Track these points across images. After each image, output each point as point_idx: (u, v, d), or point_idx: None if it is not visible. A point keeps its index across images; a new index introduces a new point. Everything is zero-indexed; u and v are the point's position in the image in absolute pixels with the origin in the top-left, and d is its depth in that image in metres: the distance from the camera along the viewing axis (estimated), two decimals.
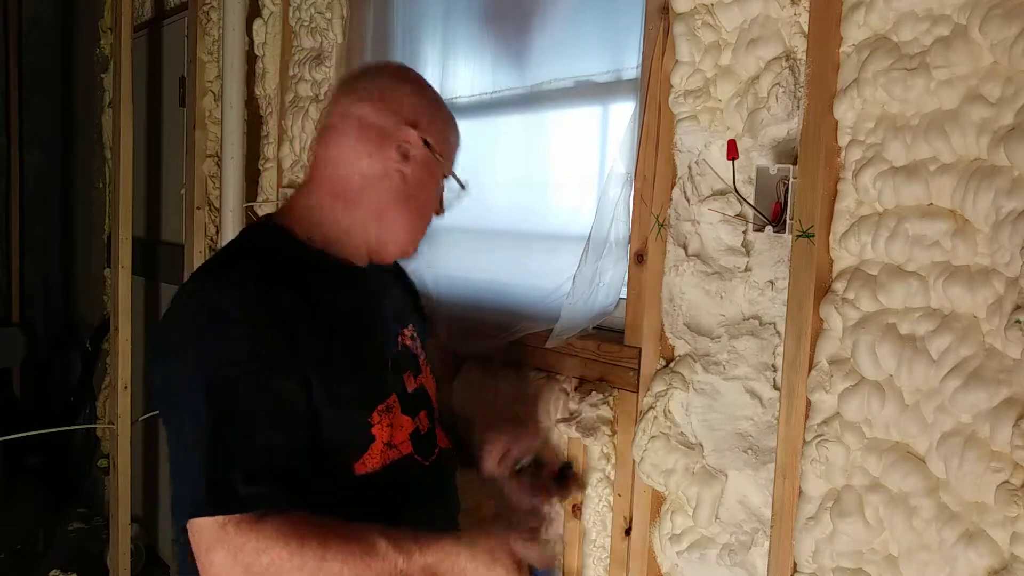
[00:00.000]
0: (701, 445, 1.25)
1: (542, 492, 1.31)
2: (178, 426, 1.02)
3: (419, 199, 1.21)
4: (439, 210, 1.26)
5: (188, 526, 0.97)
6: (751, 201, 1.13)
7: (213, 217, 2.63)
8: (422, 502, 1.18)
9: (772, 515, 1.11)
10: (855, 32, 1.02)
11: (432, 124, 1.20)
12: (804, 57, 1.08)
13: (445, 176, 1.24)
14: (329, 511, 1.01)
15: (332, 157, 1.16)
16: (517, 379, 1.54)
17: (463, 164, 1.76)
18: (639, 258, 1.32)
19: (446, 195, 1.26)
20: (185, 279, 1.20)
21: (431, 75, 1.79)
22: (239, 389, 1.00)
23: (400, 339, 1.24)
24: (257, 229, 1.19)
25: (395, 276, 1.37)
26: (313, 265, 1.13)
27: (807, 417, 1.07)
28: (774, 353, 1.15)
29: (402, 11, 1.86)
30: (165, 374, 1.05)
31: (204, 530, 0.95)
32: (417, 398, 1.22)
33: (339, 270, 1.16)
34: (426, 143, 1.18)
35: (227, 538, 0.94)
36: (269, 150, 2.36)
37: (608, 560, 1.39)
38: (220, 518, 0.95)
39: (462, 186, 1.24)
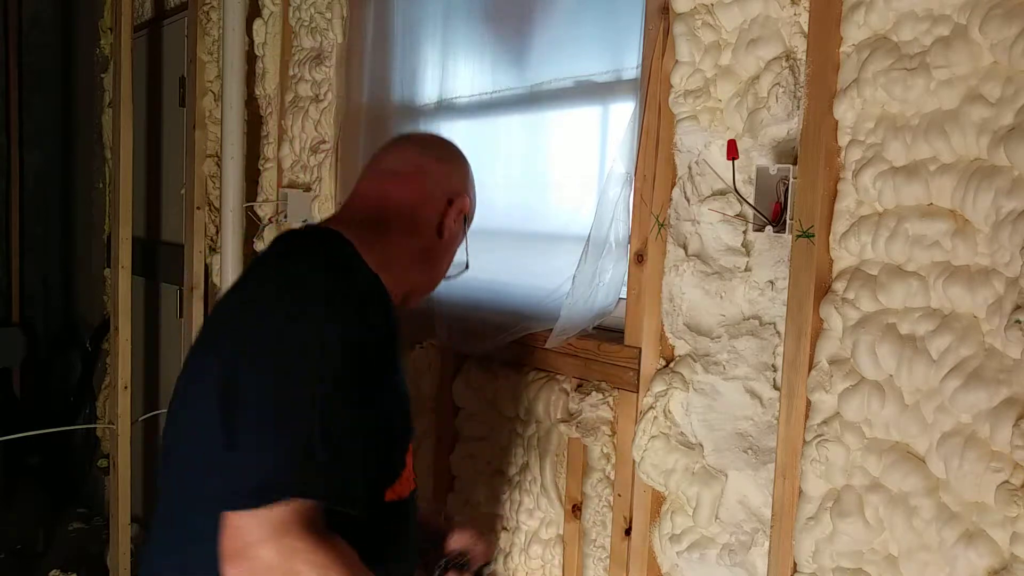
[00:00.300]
0: (701, 445, 1.25)
1: None
2: (280, 383, 0.96)
3: (449, 260, 1.28)
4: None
5: (238, 514, 0.90)
6: (751, 201, 1.13)
7: (213, 217, 2.63)
8: (411, 536, 1.18)
9: (772, 515, 1.11)
10: (855, 32, 1.02)
11: (473, 202, 1.29)
12: (804, 57, 1.08)
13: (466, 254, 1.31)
14: (357, 533, 0.98)
15: (403, 199, 1.21)
16: (518, 379, 1.54)
17: None
18: (639, 258, 1.32)
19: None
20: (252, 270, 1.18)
21: (431, 75, 1.79)
22: (361, 384, 0.99)
23: None
24: (340, 242, 1.13)
25: None
26: (385, 293, 1.13)
27: (807, 417, 1.07)
28: (774, 353, 1.15)
29: (402, 11, 1.86)
30: (294, 327, 0.98)
31: (262, 519, 0.89)
32: None
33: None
34: (465, 216, 1.26)
35: (284, 537, 0.89)
36: (269, 150, 2.36)
37: (608, 560, 1.39)
38: (287, 510, 0.90)
39: (467, 266, 1.32)
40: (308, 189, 2.19)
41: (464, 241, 1.29)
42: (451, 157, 1.28)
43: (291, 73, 2.26)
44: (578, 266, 1.37)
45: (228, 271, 2.32)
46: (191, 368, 1.11)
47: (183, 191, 2.71)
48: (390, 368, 1.09)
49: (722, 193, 1.20)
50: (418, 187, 1.22)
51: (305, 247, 1.11)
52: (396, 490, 1.12)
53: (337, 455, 0.95)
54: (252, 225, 2.38)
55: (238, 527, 0.90)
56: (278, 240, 1.16)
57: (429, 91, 1.80)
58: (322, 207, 2.15)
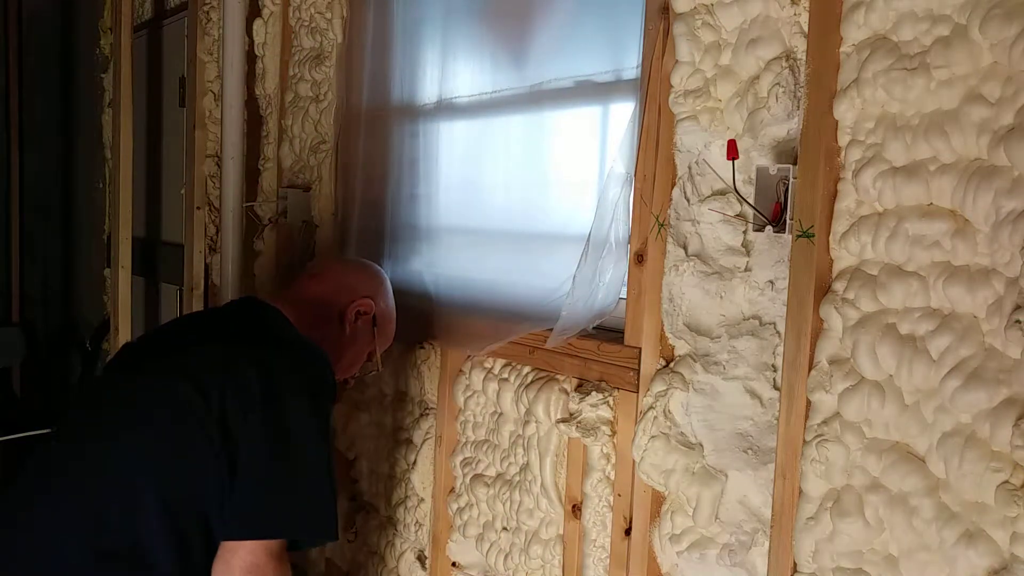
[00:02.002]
0: (701, 445, 1.25)
1: None
2: (306, 464, 1.29)
3: (353, 356, 1.58)
4: (351, 381, 1.69)
5: (265, 543, 1.22)
6: (751, 201, 1.13)
7: (213, 217, 2.63)
8: None
9: (772, 515, 1.11)
10: (855, 32, 1.02)
11: (385, 318, 1.61)
12: (804, 57, 1.08)
13: (375, 361, 1.61)
14: None
15: (317, 292, 1.55)
16: (518, 379, 1.54)
17: (463, 165, 1.77)
18: (639, 258, 1.32)
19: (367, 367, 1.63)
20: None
21: (431, 75, 1.79)
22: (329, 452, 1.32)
23: None
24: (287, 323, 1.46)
25: None
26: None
27: (807, 417, 1.07)
28: (774, 353, 1.15)
29: (402, 11, 1.86)
30: (308, 425, 1.30)
31: (273, 548, 1.22)
32: None
33: None
34: (374, 320, 1.58)
35: (282, 560, 1.22)
36: (269, 150, 2.36)
37: (608, 560, 1.39)
38: (275, 544, 1.22)
39: (378, 369, 1.64)
40: (308, 189, 2.19)
41: (375, 346, 1.58)
42: (363, 268, 1.63)
43: (291, 73, 2.26)
44: (578, 266, 1.37)
45: (228, 271, 2.32)
46: (127, 399, 1.35)
47: (183, 191, 2.71)
48: None
49: (722, 193, 1.20)
50: (328, 284, 1.56)
51: (305, 354, 1.39)
52: None
53: (331, 507, 1.30)
54: (252, 225, 2.38)
55: (254, 551, 1.21)
56: (229, 317, 1.49)
57: (429, 91, 1.80)
58: (322, 207, 2.15)
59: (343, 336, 1.54)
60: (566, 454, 1.45)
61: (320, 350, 1.39)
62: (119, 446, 1.28)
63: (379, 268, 1.66)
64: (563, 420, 1.41)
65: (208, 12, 2.58)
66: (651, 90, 1.29)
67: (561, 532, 1.47)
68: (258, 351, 1.33)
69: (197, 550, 1.24)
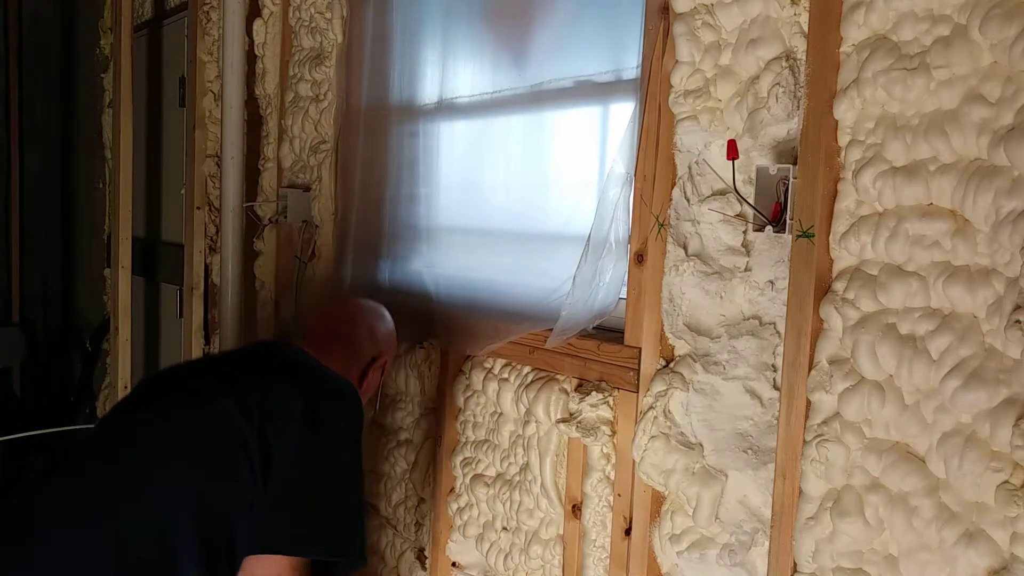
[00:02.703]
0: (701, 445, 1.25)
1: None
2: (340, 485, 1.33)
3: (368, 390, 1.60)
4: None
5: (290, 559, 1.22)
6: (751, 201, 1.13)
7: (213, 217, 2.63)
8: None
9: (772, 515, 1.11)
10: (855, 32, 1.02)
11: (392, 345, 1.64)
12: (804, 57, 1.08)
13: (373, 406, 1.70)
14: None
15: (350, 345, 1.56)
16: (518, 379, 1.54)
17: (463, 165, 1.77)
18: (639, 258, 1.32)
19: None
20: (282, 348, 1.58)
21: (431, 75, 1.79)
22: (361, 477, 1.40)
23: None
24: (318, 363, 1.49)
25: None
26: None
27: (807, 417, 1.07)
28: (774, 353, 1.15)
29: (402, 11, 1.86)
30: (344, 447, 1.37)
31: (297, 566, 1.22)
32: None
33: None
34: (383, 367, 1.60)
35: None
36: (269, 150, 2.36)
37: (608, 560, 1.39)
38: (299, 561, 1.22)
39: (375, 411, 1.75)
40: (308, 189, 2.19)
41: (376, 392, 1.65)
42: (382, 320, 1.63)
43: (291, 73, 2.26)
44: (578, 266, 1.37)
45: (228, 271, 2.32)
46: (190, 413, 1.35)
47: (183, 191, 2.71)
48: None
49: (722, 193, 1.20)
50: (356, 337, 1.57)
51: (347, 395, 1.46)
52: None
53: (360, 531, 1.33)
54: (252, 225, 2.38)
55: (278, 565, 1.21)
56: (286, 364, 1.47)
57: (429, 91, 1.80)
58: (322, 207, 2.15)
59: (359, 386, 1.55)
60: (566, 454, 1.45)
61: (349, 382, 1.46)
62: (154, 460, 1.28)
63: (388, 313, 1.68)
64: (563, 420, 1.41)
65: (208, 12, 2.58)
66: (651, 90, 1.29)
67: (561, 532, 1.47)
68: (296, 378, 1.39)
69: (222, 565, 1.24)
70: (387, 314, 1.66)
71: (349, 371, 1.51)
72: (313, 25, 2.15)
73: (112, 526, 1.22)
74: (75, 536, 1.22)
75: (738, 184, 1.16)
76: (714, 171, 1.21)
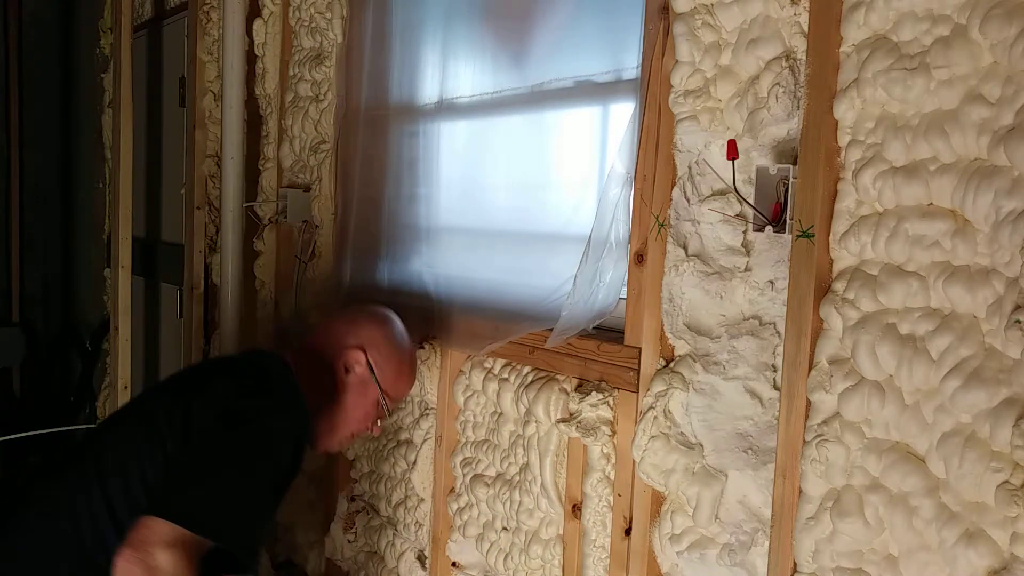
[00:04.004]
0: (701, 445, 1.25)
1: None
2: (236, 460, 1.30)
3: (349, 409, 1.55)
4: (370, 428, 1.61)
5: (160, 521, 1.17)
6: (751, 201, 1.13)
7: (213, 217, 2.63)
8: None
9: (772, 515, 1.11)
10: (855, 32, 1.02)
11: (386, 361, 1.57)
12: (804, 57, 1.08)
13: (388, 409, 1.59)
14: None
15: (317, 345, 1.57)
16: (518, 379, 1.54)
17: (463, 165, 1.77)
18: (639, 258, 1.32)
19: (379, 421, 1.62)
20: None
21: (431, 75, 1.79)
22: (266, 483, 1.32)
23: None
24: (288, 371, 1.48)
25: None
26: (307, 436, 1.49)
27: (807, 417, 1.07)
28: (774, 353, 1.15)
29: (402, 11, 1.86)
30: (253, 425, 1.33)
31: (173, 531, 1.17)
32: None
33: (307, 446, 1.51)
34: (370, 367, 1.54)
35: (182, 551, 1.17)
36: (269, 150, 2.36)
37: (608, 560, 1.39)
38: (194, 537, 1.18)
39: (387, 415, 1.61)
40: (308, 189, 2.19)
41: (379, 395, 1.55)
42: (357, 317, 1.61)
43: (291, 73, 2.26)
44: (578, 266, 1.37)
45: (228, 271, 2.32)
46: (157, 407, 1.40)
47: (183, 191, 2.71)
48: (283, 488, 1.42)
49: (722, 193, 1.20)
50: (322, 336, 1.59)
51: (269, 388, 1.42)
52: None
53: (250, 531, 1.31)
54: (252, 225, 2.38)
55: (153, 529, 1.17)
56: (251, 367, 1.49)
57: (429, 91, 1.80)
58: (322, 207, 2.15)
59: (337, 390, 1.54)
60: (566, 454, 1.45)
61: (298, 401, 1.42)
62: (105, 453, 1.36)
63: (382, 314, 1.64)
64: (563, 420, 1.41)
65: (208, 12, 2.58)
66: (651, 90, 1.29)
67: (561, 532, 1.47)
68: (240, 380, 1.42)
69: None
70: (376, 312, 1.64)
71: (322, 380, 1.52)
72: (313, 25, 2.15)
73: (68, 530, 1.30)
74: (38, 541, 1.31)
75: (738, 184, 1.16)
76: (714, 171, 1.21)
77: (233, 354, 1.70)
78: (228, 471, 1.29)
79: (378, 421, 1.61)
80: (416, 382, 1.80)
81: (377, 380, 1.55)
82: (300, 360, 1.51)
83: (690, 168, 1.24)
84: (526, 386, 1.50)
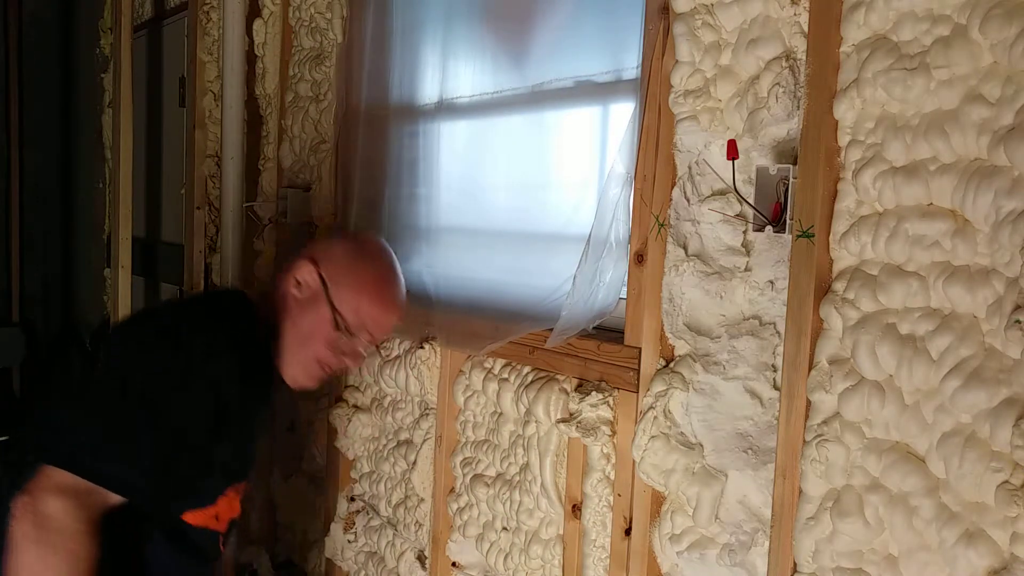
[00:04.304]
0: (701, 445, 1.25)
1: None
2: (122, 397, 1.21)
3: (304, 332, 1.40)
4: (337, 360, 1.43)
5: (51, 468, 1.13)
6: (751, 201, 1.13)
7: (213, 217, 2.63)
8: (195, 570, 1.41)
9: (772, 515, 1.11)
10: (855, 32, 1.02)
11: (344, 276, 1.41)
12: (804, 57, 1.08)
13: (349, 333, 1.41)
14: (135, 521, 1.26)
15: (276, 270, 1.50)
16: (518, 379, 1.54)
17: (463, 165, 1.77)
18: (639, 258, 1.32)
19: (351, 355, 1.46)
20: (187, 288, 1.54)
21: (431, 75, 1.79)
22: (177, 427, 1.23)
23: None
24: (245, 307, 1.41)
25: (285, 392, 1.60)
26: (266, 357, 1.41)
27: (807, 417, 1.07)
28: (774, 353, 1.15)
29: (402, 11, 1.86)
30: (146, 362, 1.25)
31: (62, 477, 1.12)
32: (246, 495, 1.52)
33: (275, 373, 1.44)
34: (323, 281, 1.39)
35: (73, 498, 1.11)
36: (269, 150, 2.36)
37: (608, 560, 1.39)
38: (87, 484, 1.13)
39: (377, 348, 1.53)
40: (308, 189, 2.19)
41: (359, 329, 1.41)
42: (317, 241, 1.51)
43: (291, 73, 2.26)
44: (578, 266, 1.37)
45: (228, 271, 2.32)
46: None
47: (183, 191, 2.71)
48: (233, 427, 1.32)
49: (722, 193, 1.20)
50: (280, 259, 1.48)
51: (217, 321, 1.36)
52: (192, 517, 1.36)
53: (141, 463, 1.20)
54: (252, 225, 2.38)
55: (46, 474, 1.13)
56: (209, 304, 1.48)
57: (429, 91, 1.80)
58: (322, 207, 2.15)
59: (288, 309, 1.40)
60: (566, 454, 1.45)
61: (233, 337, 1.32)
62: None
63: (355, 232, 1.51)
64: (563, 420, 1.41)
65: (208, 12, 2.58)
66: (651, 90, 1.29)
67: (561, 532, 1.47)
68: (160, 318, 1.40)
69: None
70: (360, 234, 1.52)
71: (277, 305, 1.41)
72: (313, 25, 2.15)
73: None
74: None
75: (738, 184, 1.16)
76: (714, 171, 1.21)
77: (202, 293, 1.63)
78: (125, 413, 1.20)
79: (352, 355, 1.45)
80: (416, 381, 1.79)
81: (329, 296, 1.38)
82: (262, 292, 1.44)
83: (690, 168, 1.24)
84: (526, 386, 1.50)
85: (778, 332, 1.14)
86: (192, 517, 1.36)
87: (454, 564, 1.73)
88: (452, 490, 1.71)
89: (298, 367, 1.42)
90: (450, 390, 1.69)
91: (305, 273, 1.40)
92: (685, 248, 1.25)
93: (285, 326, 1.40)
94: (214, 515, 1.40)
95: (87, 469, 1.14)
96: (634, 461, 1.31)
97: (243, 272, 2.35)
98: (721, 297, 1.21)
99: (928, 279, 0.96)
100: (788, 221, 1.08)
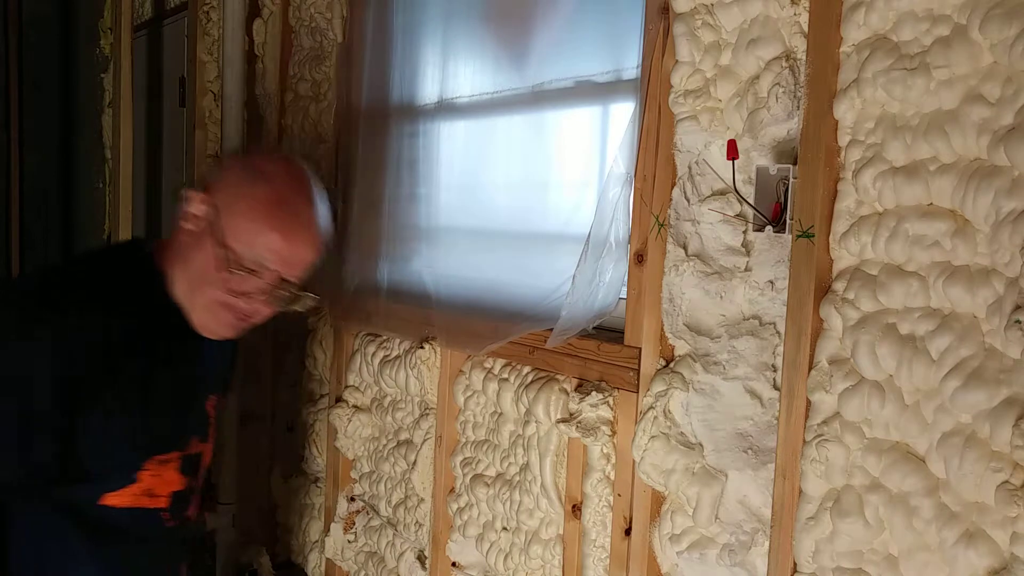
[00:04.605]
0: (701, 445, 1.25)
1: None
2: None
3: (196, 273, 1.23)
4: (245, 306, 1.25)
5: None
6: (751, 201, 1.13)
7: None
8: (145, 554, 1.32)
9: (772, 515, 1.11)
10: (855, 32, 1.02)
11: (236, 204, 1.21)
12: (804, 57, 1.08)
13: (246, 269, 1.21)
14: (52, 518, 1.19)
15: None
16: (518, 379, 1.54)
17: (463, 165, 1.77)
18: (639, 258, 1.32)
19: (261, 294, 1.25)
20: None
21: (431, 75, 1.79)
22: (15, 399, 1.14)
23: (205, 404, 1.40)
24: (136, 259, 1.30)
25: (227, 344, 1.44)
26: (165, 311, 1.26)
27: (807, 417, 1.07)
28: (774, 353, 1.15)
29: (402, 11, 1.86)
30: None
31: None
32: (193, 462, 1.37)
33: (185, 323, 1.27)
34: (212, 212, 1.21)
35: None
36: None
37: (608, 560, 1.39)
38: None
39: (303, 290, 1.26)
40: None
41: (258, 262, 1.21)
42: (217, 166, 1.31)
43: (291, 73, 2.26)
44: (578, 266, 1.37)
45: None
46: None
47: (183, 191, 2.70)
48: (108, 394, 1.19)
49: (722, 193, 1.20)
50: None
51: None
52: (119, 498, 1.26)
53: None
54: None
55: None
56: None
57: (429, 91, 1.80)
58: None
59: (182, 246, 1.25)
60: (566, 454, 1.45)
61: (108, 298, 1.21)
62: None
63: (259, 152, 1.32)
64: (563, 420, 1.41)
65: (208, 12, 2.58)
66: (651, 90, 1.29)
67: (561, 532, 1.47)
68: (29, 282, 1.34)
69: None
70: (264, 155, 1.34)
71: (177, 243, 1.27)
72: (313, 25, 2.15)
73: None
74: None
75: (738, 184, 1.16)
76: (714, 171, 1.21)
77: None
78: None
79: (260, 297, 1.25)
80: (416, 381, 1.79)
81: (218, 227, 1.19)
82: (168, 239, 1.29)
83: (690, 168, 1.24)
84: (526, 386, 1.50)
85: (778, 332, 1.14)
86: (115, 499, 1.25)
87: (454, 564, 1.73)
88: (452, 490, 1.71)
89: (204, 314, 1.25)
90: (450, 390, 1.69)
91: (196, 204, 1.21)
92: (685, 248, 1.25)
93: (176, 270, 1.24)
94: (143, 492, 1.27)
95: None
96: (634, 461, 1.31)
97: None
98: (721, 297, 1.21)
99: (928, 279, 0.96)
100: (788, 221, 1.08)
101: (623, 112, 1.36)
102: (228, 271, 1.20)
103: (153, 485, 1.28)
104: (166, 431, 1.30)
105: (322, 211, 1.28)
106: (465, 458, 1.67)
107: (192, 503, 1.40)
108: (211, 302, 1.24)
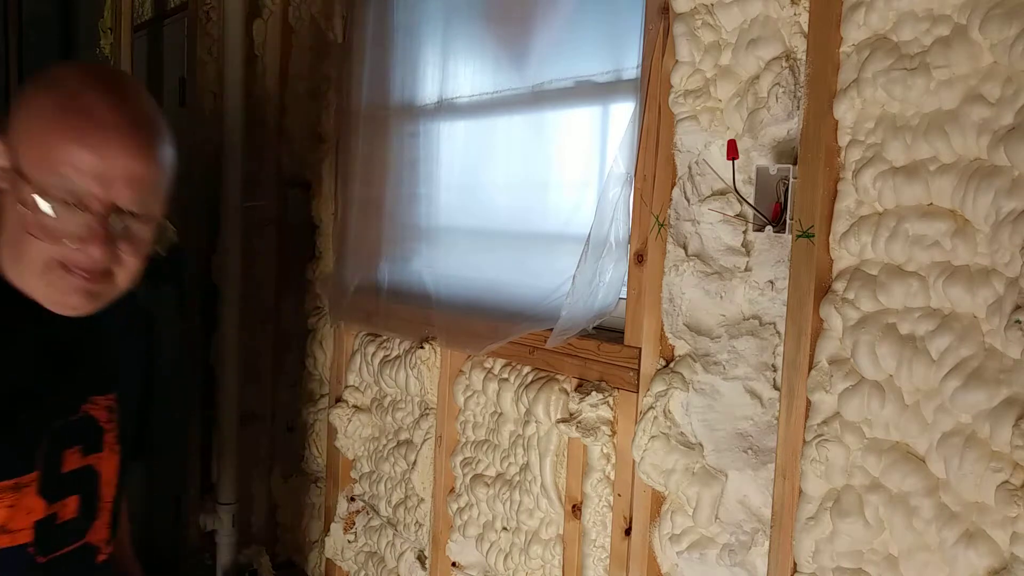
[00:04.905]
0: (701, 445, 1.25)
1: None
2: None
3: (14, 231, 0.98)
4: (77, 256, 0.98)
5: None
6: (751, 201, 1.13)
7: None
8: None
9: (772, 515, 1.11)
10: (855, 32, 1.02)
11: (30, 130, 0.96)
12: (804, 57, 1.08)
13: (62, 204, 0.95)
14: None
15: None
16: (518, 379, 1.54)
17: (463, 165, 1.76)
18: (639, 258, 1.32)
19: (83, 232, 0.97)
20: None
21: (431, 75, 1.79)
22: None
23: (83, 408, 1.09)
24: None
25: (125, 331, 1.19)
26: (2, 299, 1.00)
27: (807, 417, 1.07)
28: (774, 353, 1.15)
29: (402, 11, 1.86)
30: None
31: None
32: (73, 480, 1.08)
33: (23, 310, 1.01)
34: (9, 151, 0.97)
35: None
36: (269, 150, 2.36)
37: (608, 560, 1.39)
38: None
39: (134, 216, 0.98)
40: (308, 188, 2.19)
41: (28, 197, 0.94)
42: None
43: (291, 73, 2.26)
44: (578, 266, 1.37)
45: (228, 271, 2.32)
46: None
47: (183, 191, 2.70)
48: None
49: (722, 193, 1.20)
50: None
51: None
52: None
53: None
54: (252, 225, 2.38)
55: None
56: None
57: (429, 91, 1.80)
58: (322, 207, 2.15)
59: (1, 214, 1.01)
60: (566, 454, 1.45)
61: None
62: None
63: (82, 71, 1.02)
64: (563, 420, 1.41)
65: (208, 12, 2.58)
66: (651, 90, 1.29)
67: (561, 532, 1.47)
68: None
69: None
70: (63, 74, 1.00)
71: None
72: (313, 25, 2.16)
73: None
74: None
75: (738, 184, 1.16)
76: (714, 171, 1.21)
77: None
78: None
79: (87, 237, 0.97)
80: (416, 381, 1.79)
81: (17, 164, 0.96)
82: None
83: (690, 168, 1.24)
84: (526, 386, 1.50)
85: (778, 332, 1.14)
86: None
87: (454, 564, 1.73)
88: (452, 490, 1.72)
89: (39, 284, 1.00)
90: (450, 390, 1.69)
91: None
92: (685, 248, 1.25)
93: (2, 248, 1.01)
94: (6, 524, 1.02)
95: None
96: (634, 461, 1.31)
97: (243, 272, 2.35)
98: (721, 297, 1.21)
99: (928, 279, 0.96)
100: (788, 221, 1.08)
101: (623, 112, 1.36)
102: (40, 212, 0.94)
103: (7, 518, 1.02)
104: (4, 450, 1.03)
105: (144, 113, 1.07)
106: (465, 458, 1.67)
107: (93, 529, 1.13)
108: (41, 265, 0.98)
